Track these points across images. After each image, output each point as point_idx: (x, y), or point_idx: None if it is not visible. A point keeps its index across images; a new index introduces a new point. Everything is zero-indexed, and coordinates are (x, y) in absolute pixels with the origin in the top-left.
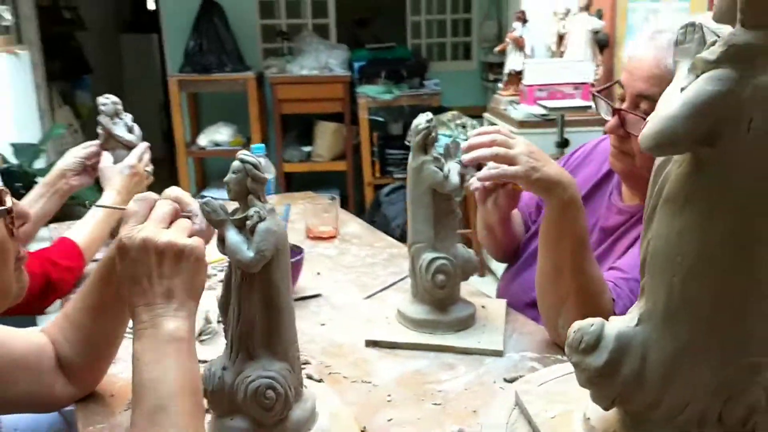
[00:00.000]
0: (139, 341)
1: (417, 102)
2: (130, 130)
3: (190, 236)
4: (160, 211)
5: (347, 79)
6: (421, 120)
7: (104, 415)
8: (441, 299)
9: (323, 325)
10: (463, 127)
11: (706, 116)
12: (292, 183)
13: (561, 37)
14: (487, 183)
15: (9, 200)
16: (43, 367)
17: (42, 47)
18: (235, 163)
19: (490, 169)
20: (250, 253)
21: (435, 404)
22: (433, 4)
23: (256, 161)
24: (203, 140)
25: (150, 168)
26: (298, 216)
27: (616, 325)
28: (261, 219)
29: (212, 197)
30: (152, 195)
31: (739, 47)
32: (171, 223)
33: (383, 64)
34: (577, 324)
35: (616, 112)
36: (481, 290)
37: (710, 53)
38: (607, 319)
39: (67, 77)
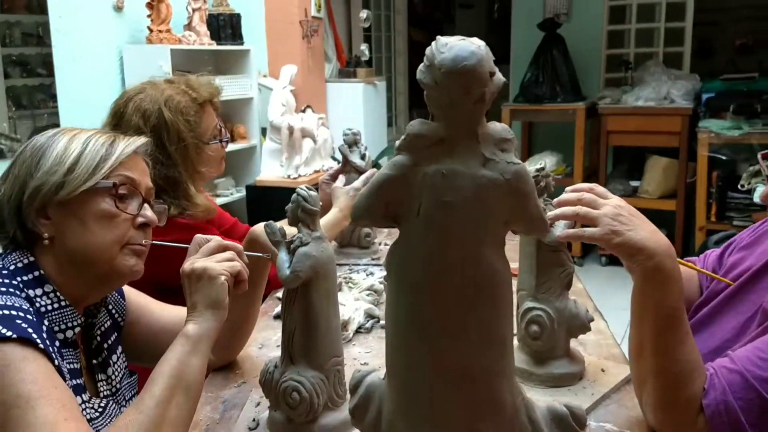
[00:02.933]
0: None
1: None
2: (363, 158)
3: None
4: (204, 247)
5: (688, 111)
6: (531, 169)
7: (219, 386)
8: (537, 351)
9: None
10: None
11: (379, 196)
12: None
13: None
14: None
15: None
16: None
17: (409, 78)
18: (293, 195)
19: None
20: (287, 271)
21: None
22: None
23: (307, 195)
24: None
25: None
26: None
27: (376, 375)
28: (303, 244)
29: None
30: (212, 238)
31: (414, 136)
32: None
33: (735, 96)
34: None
35: None
36: (625, 353)
37: (400, 140)
38: (691, 408)
39: None
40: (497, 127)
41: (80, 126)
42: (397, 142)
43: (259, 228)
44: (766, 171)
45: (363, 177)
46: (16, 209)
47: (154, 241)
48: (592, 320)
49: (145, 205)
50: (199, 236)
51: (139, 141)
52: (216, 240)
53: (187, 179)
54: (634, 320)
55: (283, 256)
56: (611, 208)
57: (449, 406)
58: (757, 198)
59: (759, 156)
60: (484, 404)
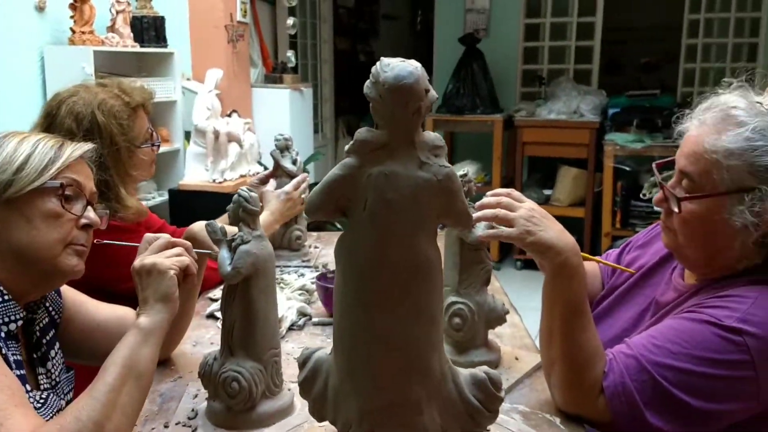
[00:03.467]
0: None
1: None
2: (294, 163)
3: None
4: (153, 245)
5: (595, 125)
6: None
7: (155, 381)
8: (459, 341)
9: None
10: None
11: (331, 193)
12: None
13: None
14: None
15: (72, 190)
16: (123, 332)
17: (334, 85)
18: (235, 196)
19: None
20: (228, 268)
21: None
22: (711, 51)
23: (248, 196)
24: None
25: (305, 196)
26: None
27: (323, 351)
28: (243, 242)
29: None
30: (161, 236)
31: (361, 142)
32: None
33: (638, 111)
34: None
35: (661, 186)
36: (537, 345)
37: (349, 145)
38: (593, 389)
39: (355, 112)
40: (431, 135)
41: (1, 127)
42: (347, 147)
43: (197, 226)
44: (659, 179)
45: (294, 181)
46: None
47: (105, 241)
48: (508, 312)
49: (89, 207)
50: (148, 235)
51: (86, 146)
52: (165, 237)
53: (118, 183)
54: (544, 310)
55: (224, 253)
56: (525, 211)
57: (387, 372)
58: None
59: (653, 165)
60: (416, 370)
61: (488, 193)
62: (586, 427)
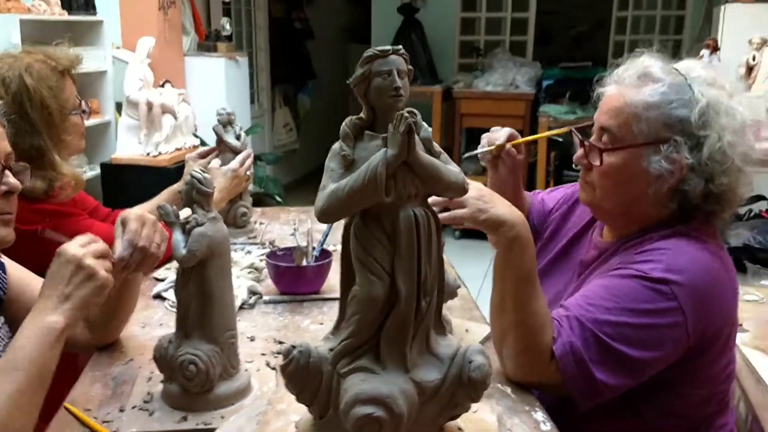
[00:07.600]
0: (30, 316)
1: None
2: (238, 138)
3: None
4: (97, 246)
5: (530, 97)
6: None
7: (106, 364)
8: None
9: (321, 324)
10: None
11: None
12: None
13: (750, 69)
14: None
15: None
16: None
17: (270, 54)
18: (187, 177)
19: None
20: (184, 251)
21: None
22: (641, 23)
23: (202, 178)
24: None
25: (251, 172)
26: None
27: None
28: (198, 224)
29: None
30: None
31: None
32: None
33: (571, 83)
34: None
35: (581, 143)
36: (484, 315)
37: None
38: (545, 353)
39: (292, 81)
40: None
41: None
42: None
43: (131, 212)
44: (578, 137)
45: (239, 157)
46: None
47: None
48: (459, 287)
49: (6, 171)
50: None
51: None
52: (105, 246)
53: (51, 148)
54: (496, 282)
55: (178, 236)
56: (475, 191)
57: None
58: None
59: (572, 128)
60: None
61: None
62: (533, 392)
